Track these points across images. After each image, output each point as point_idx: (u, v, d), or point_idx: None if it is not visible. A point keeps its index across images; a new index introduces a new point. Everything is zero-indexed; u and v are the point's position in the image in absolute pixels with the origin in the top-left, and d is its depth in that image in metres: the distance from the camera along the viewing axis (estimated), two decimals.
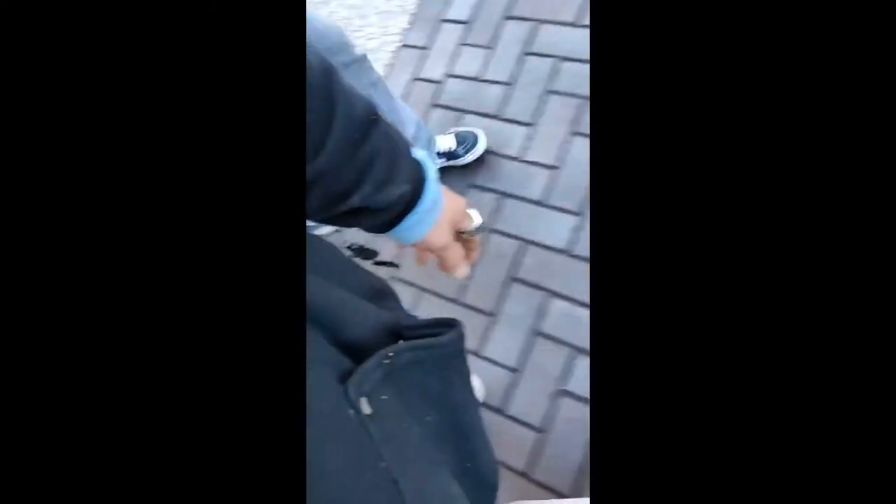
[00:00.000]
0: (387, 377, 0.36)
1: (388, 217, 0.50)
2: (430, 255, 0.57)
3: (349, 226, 0.51)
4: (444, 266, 0.57)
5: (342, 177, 0.44)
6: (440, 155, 1.73)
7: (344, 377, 0.34)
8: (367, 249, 0.59)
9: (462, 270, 0.57)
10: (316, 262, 0.44)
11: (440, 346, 0.41)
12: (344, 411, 0.33)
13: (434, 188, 0.51)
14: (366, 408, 0.33)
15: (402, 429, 0.36)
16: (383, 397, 0.35)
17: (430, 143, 1.69)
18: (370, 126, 0.44)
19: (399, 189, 0.48)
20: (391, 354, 0.37)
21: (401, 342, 0.39)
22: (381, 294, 0.52)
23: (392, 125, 0.48)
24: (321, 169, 0.42)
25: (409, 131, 1.58)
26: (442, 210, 0.52)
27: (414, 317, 0.50)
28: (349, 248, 0.60)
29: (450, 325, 0.44)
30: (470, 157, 1.74)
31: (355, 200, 0.46)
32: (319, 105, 0.40)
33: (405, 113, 1.57)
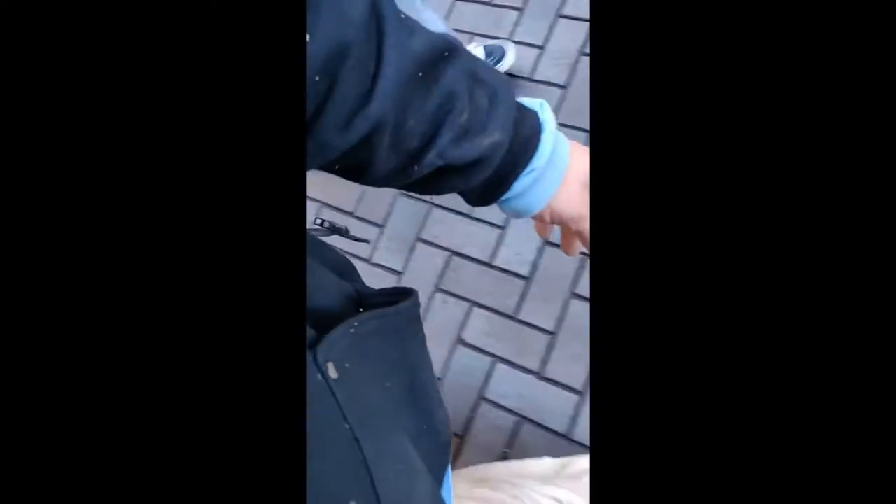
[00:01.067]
0: (352, 345, 0.37)
1: (482, 177, 0.39)
2: (551, 227, 0.46)
3: (440, 191, 0.41)
4: (569, 245, 0.46)
5: (409, 128, 0.36)
6: None
7: (311, 345, 0.35)
8: (337, 227, 0.57)
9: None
10: None
11: (398, 313, 0.42)
12: (313, 375, 0.34)
13: (552, 139, 0.40)
14: (333, 372, 0.35)
15: (364, 393, 0.37)
16: (347, 365, 0.36)
17: None
18: (441, 62, 0.36)
19: (490, 138, 0.37)
20: (356, 324, 0.37)
21: (365, 312, 0.39)
22: (345, 269, 0.50)
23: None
24: (377, 119, 0.34)
25: None
26: (568, 167, 0.41)
27: (370, 288, 0.49)
28: (317, 223, 0.56)
29: (406, 293, 0.44)
30: None
31: (432, 157, 0.37)
32: (359, 38, 0.32)
33: (431, 21, 1.42)
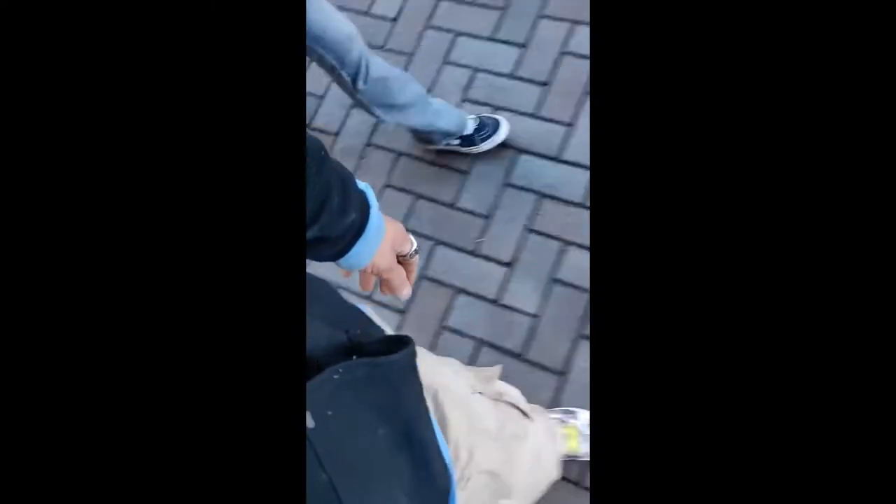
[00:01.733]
0: (336, 392, 0.38)
1: (341, 246, 0.53)
2: (372, 279, 0.61)
3: (310, 258, 0.53)
4: (388, 288, 0.61)
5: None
6: (458, 138, 1.64)
7: None
8: None
9: (406, 291, 0.61)
10: None
11: (390, 363, 0.44)
12: None
13: (377, 215, 0.55)
14: (309, 422, 0.36)
15: (346, 442, 0.38)
16: (329, 412, 0.37)
17: (361, 64, 1.38)
18: (322, 160, 0.48)
19: (350, 218, 0.51)
20: (341, 370, 0.39)
21: (353, 359, 0.42)
22: (342, 318, 0.55)
23: (336, 161, 0.52)
24: None
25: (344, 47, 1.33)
26: (384, 235, 0.56)
27: (376, 329, 0.54)
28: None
29: (403, 342, 0.47)
30: (485, 146, 1.68)
31: (315, 231, 0.49)
32: None
33: (343, 26, 1.32)
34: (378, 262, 0.57)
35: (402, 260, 0.61)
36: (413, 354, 0.48)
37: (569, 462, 1.25)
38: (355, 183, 0.54)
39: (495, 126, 1.65)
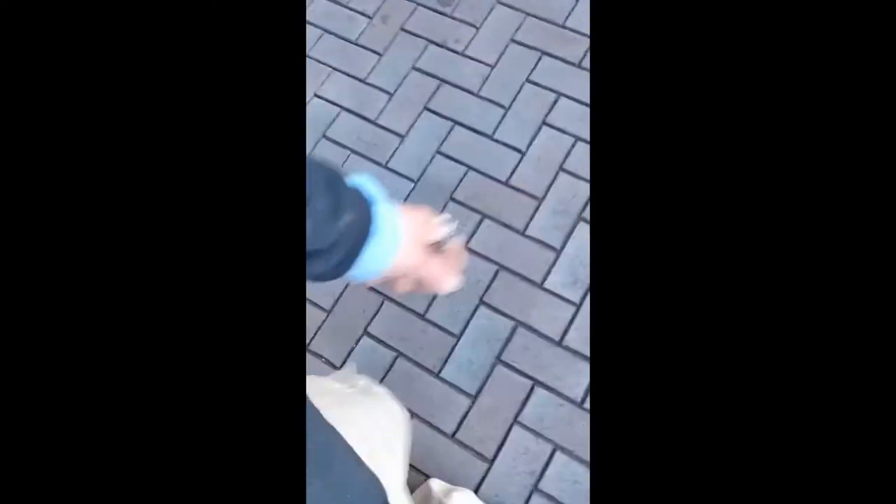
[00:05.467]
0: None
1: (340, 255, 0.42)
2: (405, 282, 0.50)
3: (310, 280, 0.44)
4: (427, 286, 0.50)
5: None
6: None
7: None
8: None
9: (450, 283, 0.51)
10: None
11: None
12: None
13: (386, 209, 0.45)
14: None
15: None
16: None
17: None
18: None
19: (342, 220, 0.41)
20: None
21: None
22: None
23: (317, 158, 0.44)
24: None
25: None
26: (401, 227, 0.46)
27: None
28: None
29: None
30: None
31: None
32: None
33: None
34: (404, 262, 0.46)
35: (438, 248, 0.51)
36: None
37: None
38: (343, 178, 0.43)
39: None
